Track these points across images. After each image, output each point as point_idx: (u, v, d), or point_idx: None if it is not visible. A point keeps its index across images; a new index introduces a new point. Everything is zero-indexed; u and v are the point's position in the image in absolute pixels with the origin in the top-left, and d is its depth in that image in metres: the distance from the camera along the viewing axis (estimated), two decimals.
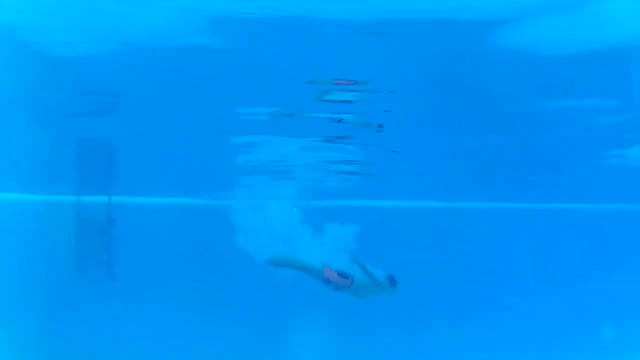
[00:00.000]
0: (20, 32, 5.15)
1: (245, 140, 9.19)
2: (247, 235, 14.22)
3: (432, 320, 16.46)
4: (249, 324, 15.94)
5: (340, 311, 13.29)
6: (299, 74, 5.86)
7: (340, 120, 7.61)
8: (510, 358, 16.41)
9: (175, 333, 15.16)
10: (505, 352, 16.35)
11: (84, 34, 5.13)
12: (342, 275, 10.10)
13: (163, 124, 8.00)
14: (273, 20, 4.82)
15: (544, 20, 5.03)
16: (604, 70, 6.24)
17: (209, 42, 5.10)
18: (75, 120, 7.84)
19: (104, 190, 13.86)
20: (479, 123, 8.25)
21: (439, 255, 17.31)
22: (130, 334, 14.61)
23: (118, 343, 14.40)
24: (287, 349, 15.73)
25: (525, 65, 6.03)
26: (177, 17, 4.82)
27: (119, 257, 14.36)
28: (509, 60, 5.83)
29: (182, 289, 15.48)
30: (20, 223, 14.66)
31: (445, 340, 16.23)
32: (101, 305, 14.61)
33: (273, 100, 6.75)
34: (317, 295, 15.15)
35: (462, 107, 7.46)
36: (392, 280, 10.55)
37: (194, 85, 6.19)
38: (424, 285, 12.24)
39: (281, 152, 10.06)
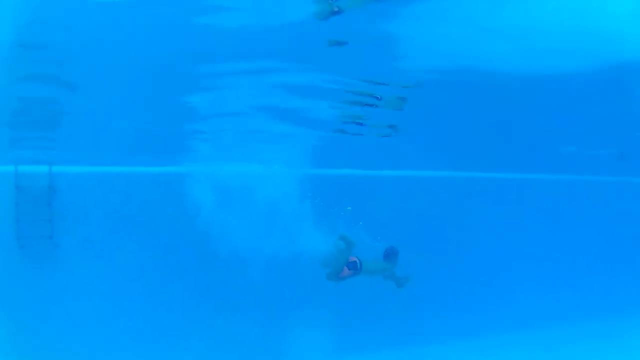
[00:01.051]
0: None
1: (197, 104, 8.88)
2: (200, 204, 14.03)
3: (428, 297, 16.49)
4: (198, 294, 15.83)
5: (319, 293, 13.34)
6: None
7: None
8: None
9: (122, 306, 14.88)
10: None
11: None
12: (352, 267, 10.12)
13: (108, 84, 7.61)
14: None
15: None
16: None
17: None
18: (13, 79, 7.33)
19: (44, 159, 13.34)
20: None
21: (434, 225, 17.56)
22: (76, 308, 14.24)
23: (63, 318, 14.03)
24: (233, 319, 15.62)
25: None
26: None
27: (62, 229, 13.91)
28: None
29: (129, 261, 15.19)
30: None
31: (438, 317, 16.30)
32: (45, 279, 14.16)
33: (235, 55, 6.43)
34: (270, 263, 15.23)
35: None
36: (393, 251, 10.63)
37: (143, 41, 5.82)
38: (418, 257, 12.26)
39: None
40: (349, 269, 10.14)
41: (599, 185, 20.49)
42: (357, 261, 10.19)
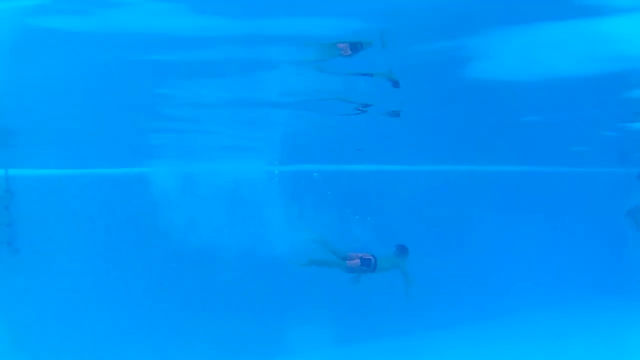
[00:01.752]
0: None
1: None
2: (163, 204, 13.90)
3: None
4: (165, 295, 15.71)
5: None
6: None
7: None
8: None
9: (85, 313, 14.65)
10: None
11: None
12: (365, 264, 9.96)
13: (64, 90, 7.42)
14: None
15: None
16: None
17: None
18: None
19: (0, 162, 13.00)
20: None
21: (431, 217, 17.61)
22: (36, 313, 13.96)
23: (24, 324, 13.72)
24: (199, 320, 15.53)
25: None
26: None
27: (21, 233, 13.59)
28: None
29: (90, 265, 14.96)
30: None
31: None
32: (4, 286, 13.85)
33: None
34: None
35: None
36: (403, 250, 10.57)
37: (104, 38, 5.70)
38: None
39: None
40: (362, 265, 9.97)
41: (591, 177, 21.00)
42: (372, 258, 10.04)
